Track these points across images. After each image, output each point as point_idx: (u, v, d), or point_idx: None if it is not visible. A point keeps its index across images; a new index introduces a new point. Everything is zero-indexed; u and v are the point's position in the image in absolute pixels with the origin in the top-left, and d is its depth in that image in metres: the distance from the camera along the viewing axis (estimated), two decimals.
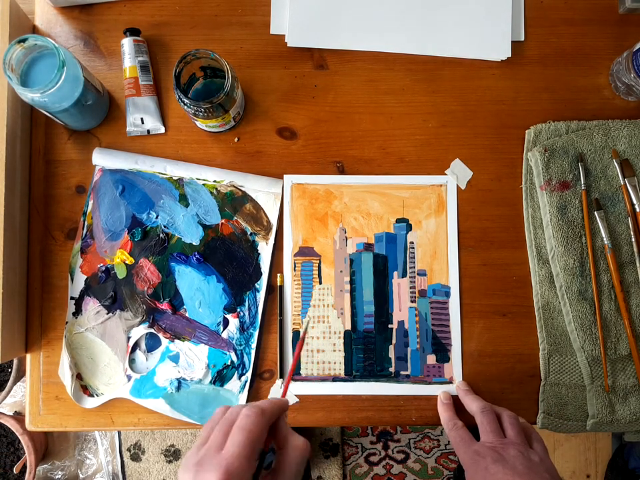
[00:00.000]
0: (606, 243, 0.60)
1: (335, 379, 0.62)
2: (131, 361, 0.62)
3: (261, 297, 0.62)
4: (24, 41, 0.54)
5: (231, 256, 0.63)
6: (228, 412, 0.40)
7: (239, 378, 0.62)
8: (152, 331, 0.62)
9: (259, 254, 0.63)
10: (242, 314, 0.62)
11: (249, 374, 0.61)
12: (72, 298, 0.63)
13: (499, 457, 0.48)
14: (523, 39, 0.65)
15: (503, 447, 0.49)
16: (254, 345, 0.62)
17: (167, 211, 0.64)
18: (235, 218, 0.64)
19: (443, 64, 0.65)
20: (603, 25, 0.66)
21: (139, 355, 0.62)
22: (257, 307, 0.62)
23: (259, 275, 0.63)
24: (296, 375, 0.62)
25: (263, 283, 0.63)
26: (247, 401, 0.61)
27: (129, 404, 0.62)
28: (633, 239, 0.61)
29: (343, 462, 1.30)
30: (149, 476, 1.32)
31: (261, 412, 0.39)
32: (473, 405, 0.56)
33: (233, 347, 0.62)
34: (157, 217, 0.64)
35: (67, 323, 0.62)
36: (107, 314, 0.63)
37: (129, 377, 0.62)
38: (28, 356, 0.63)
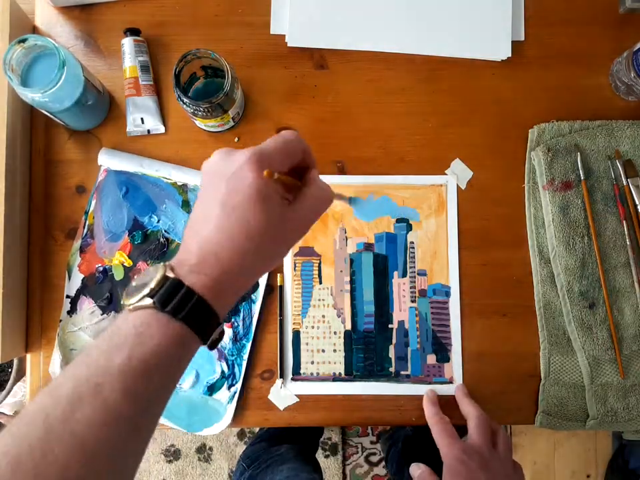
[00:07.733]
0: None
1: (335, 378, 0.62)
2: None
3: (256, 308, 0.62)
4: (24, 41, 0.53)
5: None
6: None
7: (229, 388, 0.61)
8: None
9: None
10: (236, 324, 0.62)
11: (238, 385, 0.61)
12: (68, 296, 0.63)
13: (485, 465, 0.47)
14: (523, 38, 0.65)
15: (490, 456, 0.48)
16: (245, 357, 0.61)
17: (169, 215, 0.63)
18: None
19: (443, 64, 0.65)
20: (603, 24, 0.66)
21: None
22: (251, 318, 0.62)
23: (255, 285, 0.62)
24: (296, 374, 0.62)
25: (259, 295, 0.62)
26: (235, 412, 0.61)
27: None
28: (628, 242, 0.61)
29: (343, 462, 1.30)
30: (149, 476, 1.32)
31: (301, 138, 0.38)
32: (470, 408, 0.56)
33: (224, 356, 0.62)
34: (158, 221, 0.63)
35: (60, 321, 0.62)
36: (102, 315, 0.62)
37: None
38: (28, 356, 0.63)
